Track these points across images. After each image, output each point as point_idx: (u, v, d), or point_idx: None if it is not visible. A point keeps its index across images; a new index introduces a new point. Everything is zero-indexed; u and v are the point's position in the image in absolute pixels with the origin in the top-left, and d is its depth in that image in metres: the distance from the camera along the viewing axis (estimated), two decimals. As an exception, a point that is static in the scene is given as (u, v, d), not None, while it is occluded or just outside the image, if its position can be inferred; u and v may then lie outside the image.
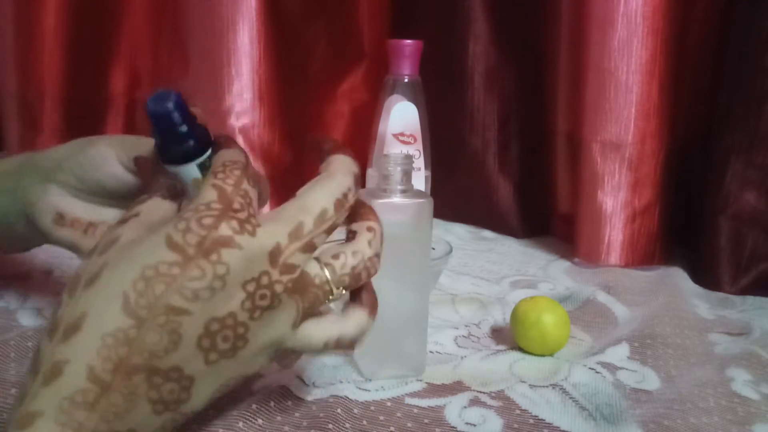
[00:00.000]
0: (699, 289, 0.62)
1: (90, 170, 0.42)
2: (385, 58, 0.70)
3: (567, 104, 0.74)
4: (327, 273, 0.31)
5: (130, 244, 0.29)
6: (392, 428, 0.37)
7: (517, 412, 0.39)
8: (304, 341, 0.31)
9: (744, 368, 0.45)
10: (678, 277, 0.63)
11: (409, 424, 0.38)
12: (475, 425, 0.37)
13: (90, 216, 0.42)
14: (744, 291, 0.61)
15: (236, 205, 0.29)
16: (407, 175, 0.40)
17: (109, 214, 0.43)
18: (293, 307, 0.30)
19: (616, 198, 0.66)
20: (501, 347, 0.48)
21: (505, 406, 0.40)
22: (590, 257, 0.68)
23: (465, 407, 0.39)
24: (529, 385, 0.42)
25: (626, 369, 0.44)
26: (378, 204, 0.39)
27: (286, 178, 0.85)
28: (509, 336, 0.49)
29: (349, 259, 0.31)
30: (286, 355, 0.32)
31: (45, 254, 0.63)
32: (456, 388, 0.41)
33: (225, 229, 0.28)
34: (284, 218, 0.30)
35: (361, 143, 0.83)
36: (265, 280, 0.28)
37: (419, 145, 0.74)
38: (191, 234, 0.27)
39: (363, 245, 0.32)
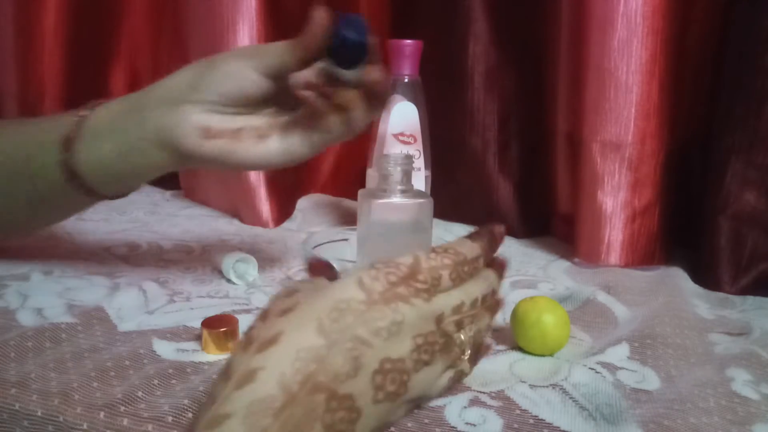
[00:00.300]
0: (699, 289, 0.62)
1: (228, 84, 0.47)
2: (385, 58, 0.70)
3: (567, 104, 0.74)
4: (463, 337, 0.35)
5: (318, 289, 0.33)
6: (392, 428, 0.37)
7: (517, 412, 0.39)
8: (437, 392, 0.35)
9: (744, 368, 0.45)
10: (678, 277, 0.63)
11: (410, 424, 0.38)
12: (475, 425, 0.37)
13: (234, 125, 0.48)
14: (744, 291, 0.61)
15: (421, 277, 0.33)
16: (407, 175, 0.40)
17: (251, 120, 0.48)
18: (440, 366, 0.34)
19: (616, 198, 0.66)
20: (501, 347, 0.48)
21: (505, 406, 0.40)
22: (590, 257, 0.68)
23: (465, 407, 0.39)
24: (529, 385, 0.42)
25: (626, 369, 0.44)
26: (378, 204, 0.39)
27: (286, 177, 0.85)
28: (509, 336, 0.49)
29: (477, 326, 0.36)
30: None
31: (44, 254, 0.64)
32: (456, 388, 0.41)
33: (404, 290, 0.32)
34: (453, 295, 0.34)
35: (361, 143, 0.83)
36: (430, 338, 0.32)
37: (419, 145, 0.74)
38: (378, 283, 0.32)
39: (488, 319, 0.37)
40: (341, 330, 0.30)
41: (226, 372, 0.29)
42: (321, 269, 0.38)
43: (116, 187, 0.53)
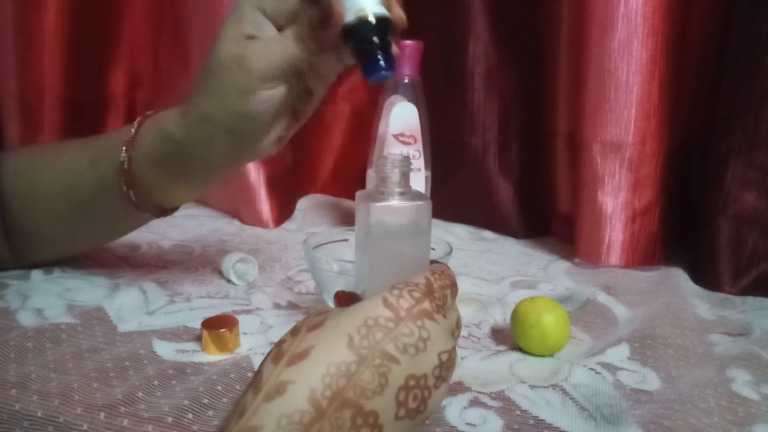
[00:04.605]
0: (699, 289, 0.62)
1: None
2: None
3: (567, 105, 0.74)
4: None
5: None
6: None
7: (518, 412, 0.39)
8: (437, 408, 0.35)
9: (744, 369, 0.45)
10: (678, 277, 0.63)
11: (409, 425, 0.38)
12: (475, 426, 0.37)
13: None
14: (744, 291, 0.61)
15: (437, 295, 0.35)
16: (405, 177, 0.40)
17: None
18: (449, 382, 0.35)
19: (616, 198, 0.66)
20: (501, 348, 0.48)
21: (506, 406, 0.40)
22: (590, 258, 0.68)
23: (465, 408, 0.39)
24: (530, 385, 0.42)
25: (626, 369, 0.44)
26: (376, 207, 0.39)
27: (286, 177, 0.85)
28: (509, 336, 0.49)
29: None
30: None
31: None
32: (456, 388, 0.41)
33: (428, 305, 0.33)
34: (455, 311, 0.37)
35: (362, 144, 0.82)
36: (452, 354, 0.34)
37: (419, 145, 0.74)
38: (403, 300, 0.33)
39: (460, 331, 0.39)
40: (370, 346, 0.30)
41: (255, 383, 0.30)
42: (347, 299, 0.38)
43: (168, 191, 0.52)
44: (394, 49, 0.41)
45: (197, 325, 0.49)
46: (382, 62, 0.40)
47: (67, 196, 0.54)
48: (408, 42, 0.71)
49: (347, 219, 0.87)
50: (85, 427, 0.37)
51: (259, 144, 0.48)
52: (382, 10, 0.40)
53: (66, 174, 0.54)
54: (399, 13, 0.41)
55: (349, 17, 0.40)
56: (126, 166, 0.50)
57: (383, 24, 0.40)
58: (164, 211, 0.55)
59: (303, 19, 0.42)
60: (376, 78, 0.40)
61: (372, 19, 0.40)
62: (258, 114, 0.44)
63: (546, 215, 0.81)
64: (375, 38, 0.40)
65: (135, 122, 0.51)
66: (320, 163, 1.00)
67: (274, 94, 0.44)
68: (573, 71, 0.70)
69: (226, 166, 0.51)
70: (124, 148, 0.50)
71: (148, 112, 0.52)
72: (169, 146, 0.48)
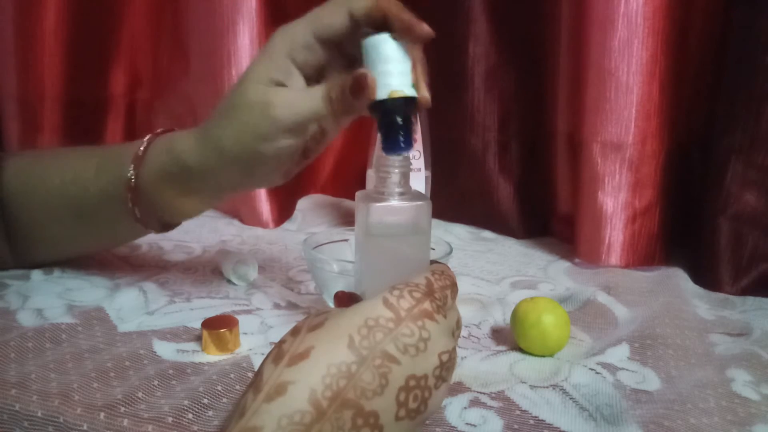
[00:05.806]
0: (699, 289, 0.62)
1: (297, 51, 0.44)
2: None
3: (567, 105, 0.74)
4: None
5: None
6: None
7: (518, 412, 0.39)
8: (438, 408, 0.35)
9: (744, 369, 0.45)
10: (678, 277, 0.63)
11: (410, 425, 0.38)
12: (475, 426, 0.37)
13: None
14: (744, 291, 0.61)
15: (437, 295, 0.35)
16: (405, 177, 0.40)
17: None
18: (450, 381, 0.35)
19: (616, 198, 0.66)
20: (501, 348, 0.48)
21: (506, 406, 0.40)
22: (590, 258, 0.68)
23: (465, 408, 0.39)
24: (530, 385, 0.42)
25: (626, 369, 0.44)
26: (375, 207, 0.39)
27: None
28: (509, 336, 0.49)
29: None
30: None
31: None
32: (456, 388, 0.41)
33: (428, 305, 0.33)
34: (455, 311, 0.37)
35: (362, 144, 0.83)
36: (453, 354, 0.34)
37: (419, 145, 0.74)
38: (404, 300, 0.33)
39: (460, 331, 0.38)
40: (371, 347, 0.30)
41: (255, 384, 0.30)
42: (347, 299, 0.38)
43: (173, 206, 0.52)
44: (415, 127, 0.42)
45: (197, 325, 0.49)
46: (402, 142, 0.41)
47: (69, 201, 0.54)
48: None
49: (347, 219, 0.87)
50: (85, 427, 0.37)
51: (268, 178, 0.49)
52: (411, 92, 0.41)
53: (69, 180, 0.54)
54: (425, 95, 0.42)
55: (381, 93, 0.41)
56: (133, 183, 0.50)
57: (410, 105, 0.41)
58: (167, 226, 0.55)
59: (335, 82, 0.42)
60: (394, 153, 0.41)
61: (401, 100, 0.41)
62: (272, 158, 0.45)
63: (546, 215, 0.81)
64: (400, 119, 0.41)
65: (144, 140, 0.51)
66: (320, 163, 1.00)
67: (292, 143, 0.45)
68: (573, 71, 0.70)
69: (234, 191, 0.52)
70: (132, 165, 0.50)
71: (158, 130, 0.52)
72: (179, 169, 0.49)
